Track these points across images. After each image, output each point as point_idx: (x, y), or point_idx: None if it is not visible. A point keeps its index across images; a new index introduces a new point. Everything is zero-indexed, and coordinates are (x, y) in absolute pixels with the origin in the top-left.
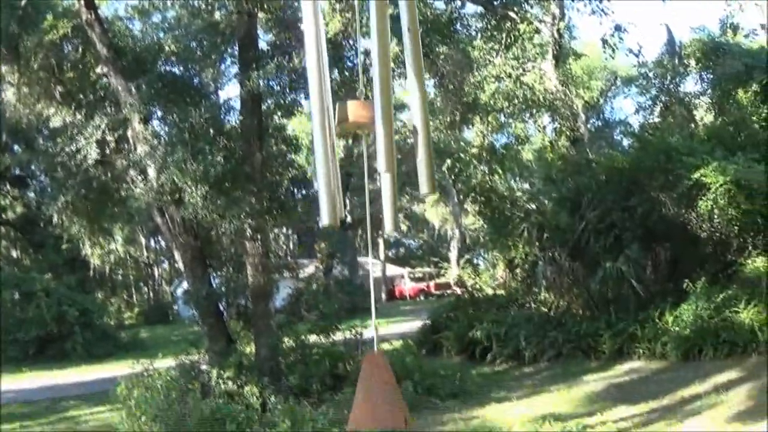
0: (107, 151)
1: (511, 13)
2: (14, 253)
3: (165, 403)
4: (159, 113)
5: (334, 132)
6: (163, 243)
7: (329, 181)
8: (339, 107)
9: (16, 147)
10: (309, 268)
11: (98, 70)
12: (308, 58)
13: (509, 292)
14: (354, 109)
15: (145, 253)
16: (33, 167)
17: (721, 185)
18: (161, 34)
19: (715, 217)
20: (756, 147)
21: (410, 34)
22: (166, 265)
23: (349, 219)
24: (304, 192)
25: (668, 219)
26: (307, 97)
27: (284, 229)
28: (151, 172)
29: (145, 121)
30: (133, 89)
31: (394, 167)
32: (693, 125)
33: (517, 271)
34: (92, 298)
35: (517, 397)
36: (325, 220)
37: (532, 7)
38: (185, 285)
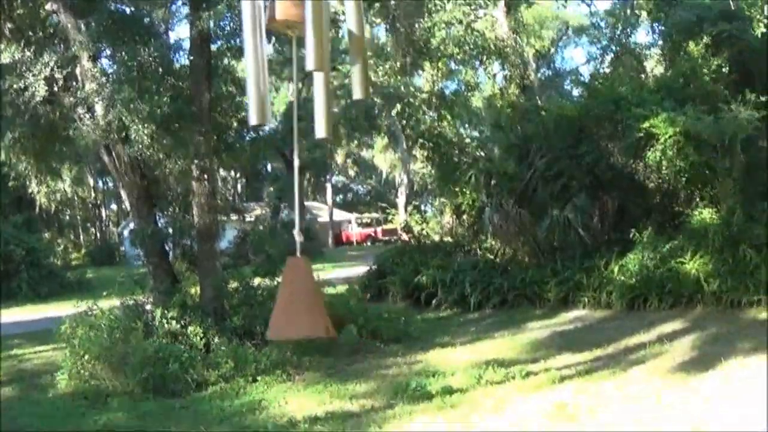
0: (56, 89)
1: None
2: None
3: (108, 342)
4: (108, 51)
5: (265, 30)
6: (111, 184)
7: (258, 80)
8: (269, 5)
9: None
10: (256, 211)
11: (48, 6)
12: None
13: (456, 238)
14: (283, 8)
15: (93, 194)
16: None
17: (670, 136)
18: None
19: (663, 168)
20: (705, 99)
21: None
22: (113, 207)
23: (297, 162)
24: (252, 135)
25: (616, 168)
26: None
27: (232, 173)
28: (99, 109)
29: (94, 58)
30: (83, 27)
31: (327, 66)
32: (643, 76)
33: (464, 217)
34: (39, 237)
35: (461, 343)
36: (253, 119)
37: None
38: (132, 226)
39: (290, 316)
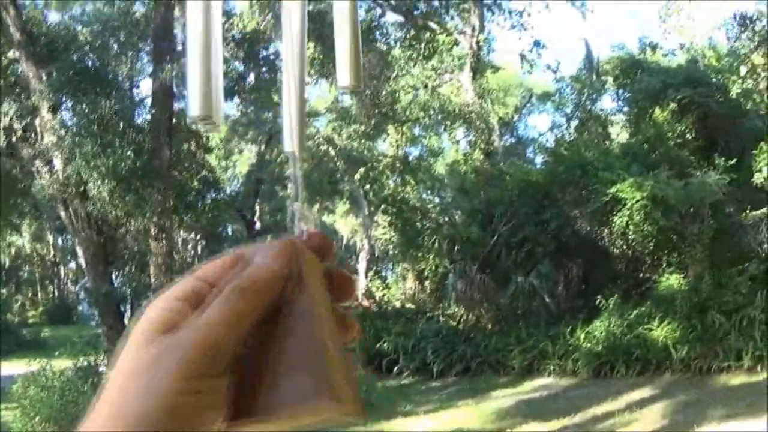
0: (14, 140)
1: (431, 24)
2: None
3: (60, 404)
4: (69, 103)
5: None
6: (70, 242)
7: (207, 59)
8: None
9: None
10: None
11: (10, 54)
12: None
13: (418, 304)
14: None
15: (52, 251)
16: None
17: (637, 201)
18: (77, 25)
19: (630, 233)
20: (671, 164)
21: None
22: (72, 265)
23: (258, 225)
24: (213, 195)
25: (581, 234)
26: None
27: (192, 234)
28: (57, 163)
29: (54, 109)
30: (44, 76)
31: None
32: (608, 142)
33: (427, 283)
34: None
35: (424, 412)
36: (193, 110)
37: (452, 18)
38: (89, 284)
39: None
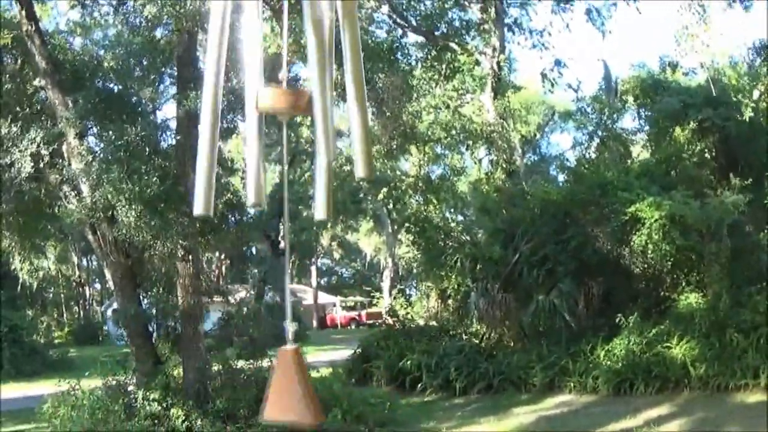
0: (41, 165)
1: (452, 44)
2: None
3: (90, 423)
4: (95, 129)
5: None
6: (95, 263)
7: (257, 162)
8: (259, 93)
9: None
10: (240, 293)
11: (36, 82)
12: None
13: (441, 322)
14: (272, 95)
15: (77, 272)
16: None
17: (656, 220)
18: (101, 51)
19: (649, 252)
20: (690, 184)
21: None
22: (97, 285)
23: (282, 245)
24: (237, 216)
25: (602, 253)
26: (243, 119)
27: (216, 254)
28: (85, 188)
29: (81, 136)
30: (70, 103)
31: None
32: (629, 161)
33: (450, 301)
34: (22, 314)
35: (447, 428)
36: (251, 200)
37: (473, 38)
38: (116, 305)
39: (283, 401)
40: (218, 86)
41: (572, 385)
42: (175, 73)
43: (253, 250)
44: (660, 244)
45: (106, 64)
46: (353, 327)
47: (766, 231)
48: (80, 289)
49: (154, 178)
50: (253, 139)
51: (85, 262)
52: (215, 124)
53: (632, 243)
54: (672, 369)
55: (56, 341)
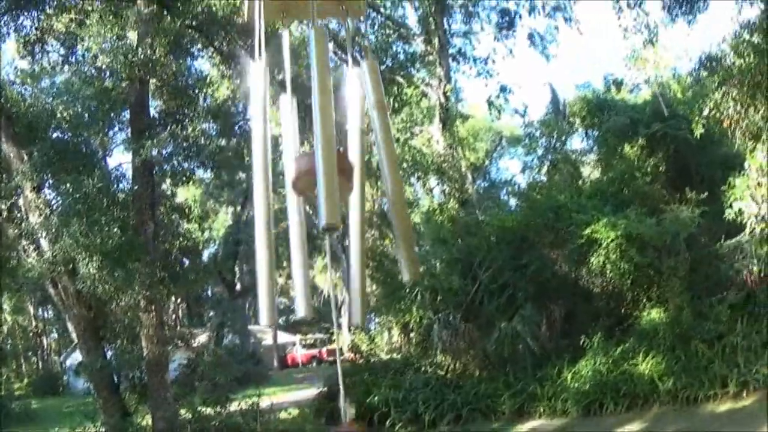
0: None
1: (398, 78)
2: None
3: None
4: (51, 181)
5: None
6: (51, 312)
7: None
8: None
9: None
10: (201, 337)
11: None
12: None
13: (405, 356)
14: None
15: (34, 323)
16: None
17: (612, 240)
18: (51, 100)
19: (608, 272)
20: (643, 200)
21: (378, 112)
22: (55, 335)
23: (239, 286)
24: (192, 260)
25: (560, 275)
26: (200, 166)
27: (174, 298)
28: (44, 242)
29: (38, 189)
30: (25, 156)
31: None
32: (580, 182)
33: (412, 334)
34: None
35: None
36: (300, 311)
37: (418, 70)
38: (76, 355)
39: None
40: (268, 193)
41: (542, 409)
42: (125, 118)
43: (209, 292)
44: (618, 263)
45: (59, 115)
46: (314, 365)
47: (723, 240)
48: (38, 339)
49: (115, 229)
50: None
51: (41, 312)
52: (269, 232)
53: (590, 264)
54: (640, 385)
55: (16, 393)
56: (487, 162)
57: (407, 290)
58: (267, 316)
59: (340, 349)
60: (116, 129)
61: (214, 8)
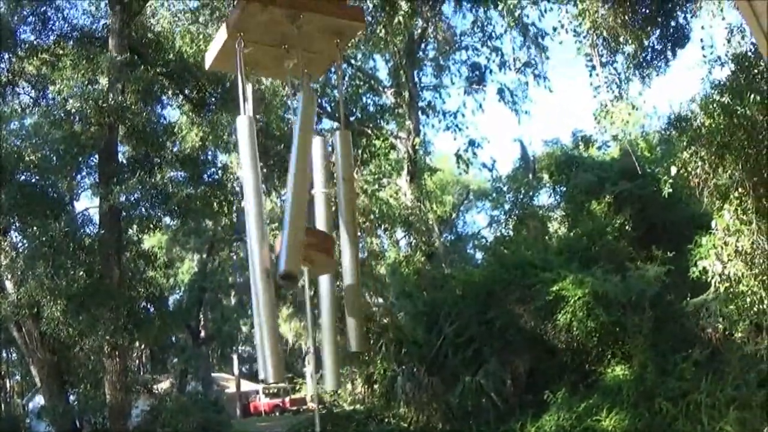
0: None
1: (367, 129)
2: None
3: None
4: (18, 225)
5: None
6: (14, 354)
7: (275, 331)
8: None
9: None
10: (164, 384)
11: None
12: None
13: (368, 407)
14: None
15: None
16: None
17: (579, 298)
18: (21, 143)
19: (574, 328)
20: (610, 257)
21: (345, 183)
22: (17, 377)
23: (203, 334)
24: (157, 307)
25: (526, 330)
26: (167, 213)
27: (137, 344)
28: (9, 285)
29: (4, 232)
30: None
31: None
32: (547, 238)
33: (376, 386)
34: None
35: None
36: (270, 377)
37: (388, 123)
38: (38, 398)
39: None
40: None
41: None
42: (93, 163)
43: (173, 338)
44: (585, 320)
45: (27, 158)
46: (277, 414)
47: (688, 298)
48: (0, 381)
49: (80, 273)
50: (266, 306)
51: (4, 354)
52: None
53: (557, 320)
54: None
55: None
56: (454, 215)
57: (372, 342)
58: (275, 373)
59: (310, 397)
60: (84, 174)
61: (185, 55)
